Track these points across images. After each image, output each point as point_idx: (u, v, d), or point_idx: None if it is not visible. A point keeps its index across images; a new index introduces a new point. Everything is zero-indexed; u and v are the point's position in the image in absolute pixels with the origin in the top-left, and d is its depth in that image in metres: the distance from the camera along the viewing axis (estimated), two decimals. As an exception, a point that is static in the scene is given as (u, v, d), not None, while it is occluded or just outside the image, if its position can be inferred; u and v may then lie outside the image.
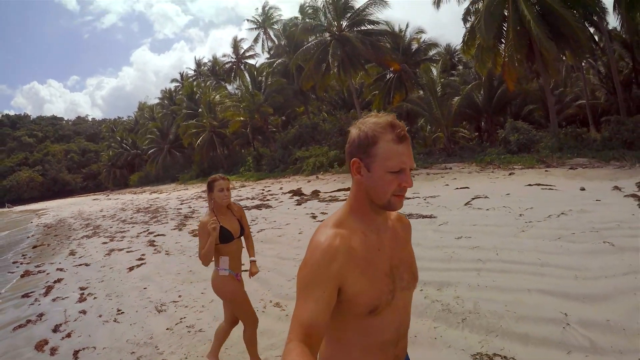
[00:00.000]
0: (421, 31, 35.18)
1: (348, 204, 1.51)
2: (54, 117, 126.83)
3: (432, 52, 35.92)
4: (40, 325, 6.39)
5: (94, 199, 52.52)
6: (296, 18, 40.98)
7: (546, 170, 17.15)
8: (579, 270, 5.50)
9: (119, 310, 6.40)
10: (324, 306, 1.28)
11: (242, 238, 4.02)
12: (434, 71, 29.71)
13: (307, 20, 32.89)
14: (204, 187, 36.06)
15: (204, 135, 45.36)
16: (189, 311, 5.92)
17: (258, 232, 11.33)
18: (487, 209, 10.23)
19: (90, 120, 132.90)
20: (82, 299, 7.36)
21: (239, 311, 3.93)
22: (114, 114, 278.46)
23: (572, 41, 21.61)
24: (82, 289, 8.06)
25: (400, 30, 34.21)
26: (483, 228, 8.34)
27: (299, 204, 15.82)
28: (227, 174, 42.39)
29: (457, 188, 14.61)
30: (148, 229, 15.43)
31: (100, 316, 6.31)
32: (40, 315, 6.85)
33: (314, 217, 12.47)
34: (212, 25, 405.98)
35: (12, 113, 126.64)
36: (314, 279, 1.31)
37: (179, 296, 6.66)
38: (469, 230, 8.29)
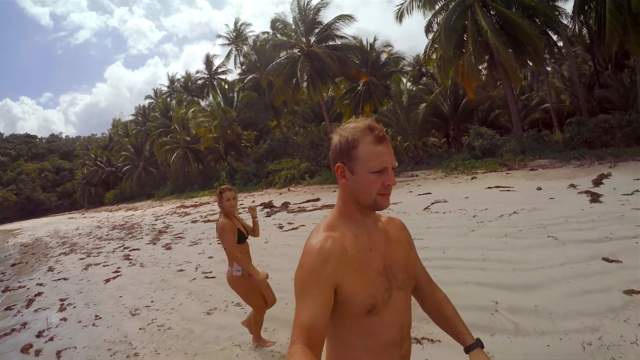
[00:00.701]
0: (389, 45, 36.37)
1: (337, 208, 1.56)
2: (27, 135, 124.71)
3: (402, 64, 37.18)
4: (24, 332, 7.01)
5: (70, 218, 52.36)
6: (267, 33, 41.87)
7: (507, 173, 18.02)
8: (518, 263, 6.19)
9: (96, 316, 7.05)
10: (322, 306, 1.32)
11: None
12: (404, 82, 30.89)
13: (278, 35, 33.83)
14: (179, 203, 36.71)
15: (178, 152, 45.82)
16: (159, 314, 6.61)
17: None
18: (444, 212, 11.09)
19: (64, 138, 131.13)
20: (62, 309, 7.97)
21: (251, 302, 4.65)
22: (87, 131, 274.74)
23: (530, 49, 22.70)
24: (61, 300, 8.64)
25: (370, 44, 35.36)
26: (436, 230, 9.16)
27: (268, 216, 16.56)
28: (201, 189, 42.95)
29: (419, 194, 15.43)
30: (123, 245, 16.00)
31: (79, 322, 6.95)
32: (24, 324, 7.44)
33: (281, 227, 13.22)
34: (186, 40, 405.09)
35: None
36: (310, 281, 1.35)
37: (152, 301, 7.35)
38: (422, 232, 9.06)
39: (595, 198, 10.19)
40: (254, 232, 4.83)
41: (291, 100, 34.76)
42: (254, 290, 4.62)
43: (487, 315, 4.62)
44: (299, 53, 31.37)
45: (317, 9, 31.15)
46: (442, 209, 11.64)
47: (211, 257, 10.39)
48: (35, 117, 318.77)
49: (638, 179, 12.24)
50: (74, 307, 7.99)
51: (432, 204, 12.87)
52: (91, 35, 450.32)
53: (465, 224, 9.27)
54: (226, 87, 44.36)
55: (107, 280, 9.78)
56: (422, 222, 10.25)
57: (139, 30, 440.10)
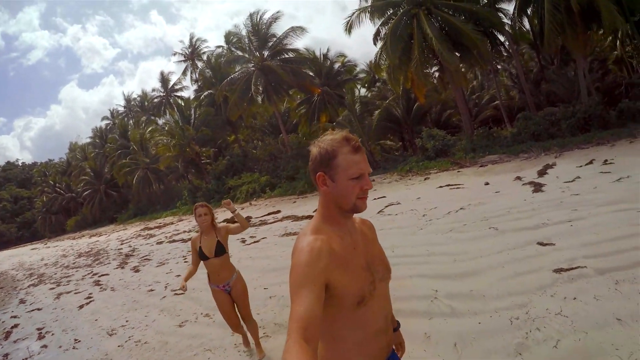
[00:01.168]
0: (342, 54, 37.44)
1: (319, 214, 1.70)
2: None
3: (356, 71, 38.32)
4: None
5: (33, 249, 51.28)
6: (222, 47, 42.19)
7: (458, 171, 19.03)
8: (459, 254, 6.96)
9: (75, 340, 7.61)
10: (316, 300, 1.40)
11: (224, 256, 4.74)
12: (359, 90, 31.95)
13: (232, 49, 34.48)
14: (143, 225, 36.84)
15: (138, 173, 45.76)
16: (135, 331, 7.26)
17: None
18: (396, 214, 12.00)
19: (20, 164, 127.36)
20: (41, 337, 8.45)
21: (222, 315, 4.87)
22: (44, 157, 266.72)
23: (475, 52, 24.03)
24: (39, 329, 9.09)
25: (323, 55, 36.37)
26: (387, 231, 9.99)
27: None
28: (164, 209, 42.92)
29: (374, 198, 16.21)
30: (92, 271, 16.36)
31: (60, 347, 7.49)
32: (6, 355, 7.88)
33: (244, 241, 13.91)
34: (140, 57, 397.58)
35: None
36: (304, 278, 1.44)
37: (126, 321, 7.97)
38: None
39: (537, 188, 11.13)
40: (241, 224, 4.73)
41: (247, 115, 35.33)
42: (224, 307, 4.82)
43: (427, 303, 5.34)
44: (252, 68, 31.96)
45: (269, 23, 31.89)
46: (395, 211, 12.59)
47: (178, 275, 11.01)
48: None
49: (580, 166, 13.35)
50: (52, 334, 8.48)
51: (386, 206, 13.75)
52: (44, 55, 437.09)
53: (415, 223, 10.18)
54: (182, 104, 44.56)
55: (81, 306, 10.28)
56: (375, 224, 10.96)
57: (93, 49, 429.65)
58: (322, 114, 35.66)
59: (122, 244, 25.00)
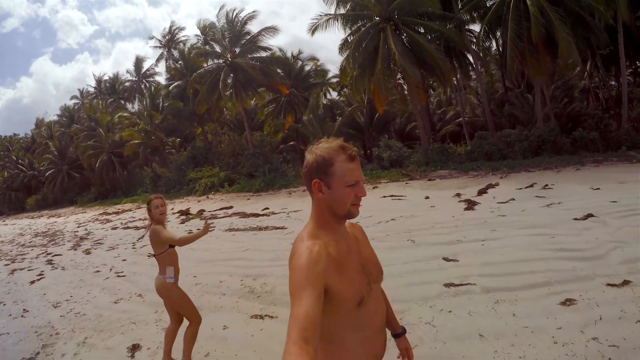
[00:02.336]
0: (314, 58, 38.78)
1: (313, 220, 1.75)
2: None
3: (329, 75, 39.61)
4: None
5: (-11, 225, 51.53)
6: (198, 37, 42.71)
7: (407, 183, 20.26)
8: None
9: (24, 310, 8.78)
10: (316, 302, 1.43)
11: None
12: (329, 93, 33.23)
13: (207, 41, 35.46)
14: (102, 210, 37.62)
15: (103, 157, 46.33)
16: (77, 305, 8.49)
17: (141, 247, 13.95)
18: None
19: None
20: (-7, 305, 9.66)
21: (186, 311, 4.60)
22: (10, 129, 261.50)
23: (437, 70, 25.73)
24: (-8, 300, 10.28)
25: (293, 56, 37.90)
26: None
27: (182, 223, 18.47)
28: (125, 195, 43.58)
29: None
30: (46, 251, 17.39)
31: (10, 315, 8.66)
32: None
33: (191, 231, 15.13)
34: (118, 37, 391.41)
35: None
36: (303, 281, 1.49)
37: (70, 296, 9.19)
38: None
39: (470, 206, 12.23)
40: (186, 241, 4.56)
41: (215, 109, 36.29)
42: (187, 299, 4.67)
43: None
44: (222, 63, 33.10)
45: (244, 21, 33.14)
46: None
47: (124, 260, 12.25)
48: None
49: (520, 188, 14.47)
50: (4, 304, 9.61)
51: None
52: (19, 24, 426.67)
53: None
54: (153, 91, 45.25)
55: (32, 282, 11.42)
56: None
57: (70, 23, 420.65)
58: (289, 114, 37.02)
59: (78, 227, 25.95)
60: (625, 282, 5.33)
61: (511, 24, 22.23)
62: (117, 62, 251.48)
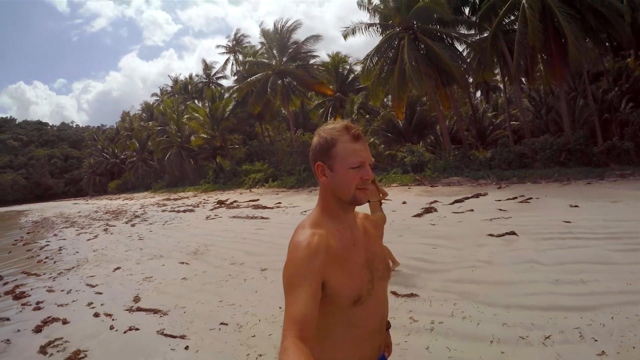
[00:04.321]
0: (360, 62, 42.85)
1: (319, 206, 1.71)
2: (39, 122, 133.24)
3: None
4: (54, 244, 14.65)
5: (74, 203, 60.98)
6: (262, 43, 47.14)
7: (409, 188, 22.50)
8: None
9: (76, 252, 14.48)
10: (312, 299, 1.41)
11: None
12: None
13: (263, 50, 40.25)
14: (167, 195, 44.52)
15: (173, 150, 53.56)
16: (107, 250, 14.01)
17: (168, 223, 19.64)
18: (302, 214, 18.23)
19: (74, 126, 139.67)
20: (59, 250, 15.39)
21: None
22: (99, 120, 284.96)
23: (457, 77, 26.37)
24: (60, 247, 16.05)
25: (338, 61, 42.24)
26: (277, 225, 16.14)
27: (212, 210, 24.04)
28: (192, 185, 50.25)
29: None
30: (107, 223, 23.65)
31: (68, 253, 14.42)
32: (42, 247, 15.08)
33: (208, 217, 20.61)
34: (201, 34, 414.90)
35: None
36: (299, 276, 1.46)
37: (105, 247, 14.83)
38: (283, 226, 16.24)
39: (423, 213, 13.77)
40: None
41: (267, 111, 41.03)
42: None
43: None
44: (271, 72, 37.14)
45: (290, 30, 37.16)
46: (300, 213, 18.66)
47: (151, 231, 17.88)
48: (48, 102, 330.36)
49: (499, 200, 15.09)
50: (66, 249, 15.50)
51: (305, 212, 20.00)
52: (107, 24, 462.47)
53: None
54: (223, 92, 51.49)
55: (88, 240, 17.37)
56: (284, 219, 17.19)
57: (155, 22, 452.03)
58: (337, 116, 40.54)
59: (140, 208, 32.58)
60: (413, 295, 6.12)
61: (519, 27, 21.57)
62: (200, 58, 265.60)
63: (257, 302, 6.57)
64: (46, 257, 13.93)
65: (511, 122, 29.68)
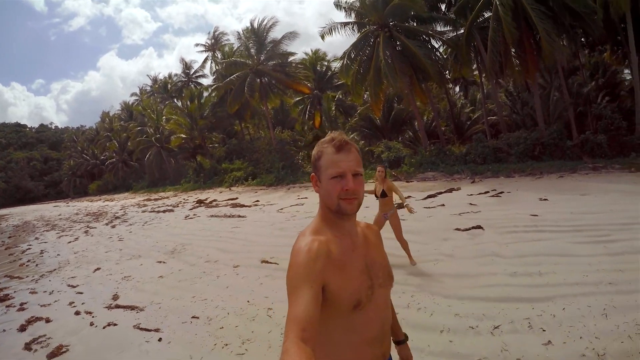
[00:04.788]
0: (338, 59, 42.93)
1: (319, 215, 1.77)
2: (17, 124, 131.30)
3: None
4: (35, 247, 15.03)
5: (55, 206, 60.66)
6: (240, 39, 47.20)
7: None
8: (249, 239, 13.41)
9: (57, 254, 14.90)
10: (313, 301, 1.44)
11: (385, 198, 7.59)
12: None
13: (241, 49, 40.05)
14: (147, 196, 44.73)
15: (153, 150, 53.68)
16: (88, 252, 14.42)
17: (147, 224, 20.05)
18: (297, 211, 18.75)
19: (53, 128, 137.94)
20: (41, 253, 15.78)
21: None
22: (79, 120, 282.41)
23: (431, 74, 26.49)
24: (42, 250, 16.43)
25: (319, 58, 42.87)
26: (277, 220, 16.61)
27: (191, 209, 24.46)
28: (172, 184, 50.43)
29: (299, 197, 22.99)
30: (88, 225, 23.97)
31: (49, 256, 14.81)
32: (24, 251, 15.43)
33: (187, 217, 21.05)
34: (181, 32, 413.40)
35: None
36: (301, 279, 1.50)
37: (86, 249, 15.23)
38: (258, 224, 16.79)
39: (400, 206, 14.69)
40: (400, 197, 7.52)
41: (246, 109, 41.32)
42: (378, 222, 7.65)
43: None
44: (248, 71, 37.33)
45: (267, 29, 37.42)
46: (296, 209, 19.02)
47: (130, 232, 18.30)
48: (27, 103, 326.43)
49: (471, 195, 15.52)
50: (47, 252, 15.88)
51: (282, 209, 20.57)
52: (86, 23, 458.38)
53: (272, 219, 16.70)
54: (202, 91, 51.59)
55: (69, 242, 17.73)
56: (263, 217, 17.72)
57: (134, 20, 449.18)
58: (316, 112, 41.21)
59: (121, 209, 32.86)
60: None
61: (492, 24, 21.89)
62: (179, 57, 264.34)
63: (227, 297, 7.10)
64: (28, 261, 14.33)
65: (488, 117, 30.15)
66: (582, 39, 26.50)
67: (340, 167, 1.63)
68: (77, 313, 7.35)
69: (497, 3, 21.25)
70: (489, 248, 7.83)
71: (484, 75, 29.21)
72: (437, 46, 28.78)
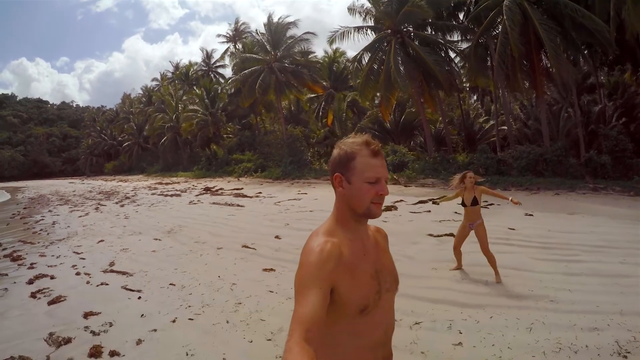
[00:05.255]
0: (349, 61, 43.32)
1: (333, 216, 1.76)
2: (39, 100, 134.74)
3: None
4: (48, 219, 16.51)
5: (70, 182, 62.82)
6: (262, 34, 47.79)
7: None
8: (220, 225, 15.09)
9: (67, 226, 16.26)
10: (320, 302, 1.45)
11: (475, 206, 7.08)
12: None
13: (253, 50, 40.61)
14: (160, 180, 46.28)
15: (169, 136, 55.30)
16: (94, 227, 15.81)
17: (154, 206, 21.45)
18: (292, 205, 19.99)
19: (74, 106, 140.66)
20: (53, 223, 17.22)
21: (456, 237, 7.32)
22: (101, 100, 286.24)
23: (441, 81, 26.86)
24: (53, 222, 17.86)
25: (336, 57, 43.60)
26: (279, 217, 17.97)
27: (197, 195, 25.85)
28: (184, 170, 51.98)
29: (298, 192, 24.23)
30: (99, 203, 25.45)
31: (60, 227, 16.20)
32: (38, 221, 16.89)
33: (191, 202, 22.41)
34: (207, 20, 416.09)
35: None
36: (310, 279, 1.50)
37: (94, 223, 16.63)
38: (252, 214, 18.17)
39: (389, 208, 14.98)
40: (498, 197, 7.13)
41: (259, 103, 42.58)
42: (460, 232, 7.36)
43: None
44: (265, 67, 38.13)
45: (286, 28, 38.42)
46: (294, 204, 20.13)
47: (137, 212, 19.68)
48: (50, 80, 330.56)
49: (461, 204, 16.21)
50: (59, 223, 17.32)
51: (291, 200, 21.80)
52: (113, 5, 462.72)
53: (263, 210, 18.02)
54: (220, 81, 52.94)
55: (80, 216, 19.16)
56: (257, 209, 18.87)
57: (161, 5, 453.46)
58: (329, 111, 41.80)
59: (132, 190, 34.45)
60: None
61: (501, 37, 22.00)
62: (205, 44, 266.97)
63: (203, 272, 8.33)
64: (40, 230, 15.78)
65: (499, 129, 29.85)
66: (603, 57, 26.55)
67: (378, 172, 1.67)
68: (78, 274, 8.68)
69: (504, 18, 21.29)
70: (450, 255, 7.82)
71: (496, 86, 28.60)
72: (452, 55, 29.21)
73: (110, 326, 5.68)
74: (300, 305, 1.43)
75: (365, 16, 29.14)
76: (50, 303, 6.87)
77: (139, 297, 6.97)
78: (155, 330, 5.50)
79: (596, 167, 20.61)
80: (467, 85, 34.69)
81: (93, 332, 5.48)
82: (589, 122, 25.75)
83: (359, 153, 1.66)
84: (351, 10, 29.52)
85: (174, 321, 5.80)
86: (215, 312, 6.09)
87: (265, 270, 8.16)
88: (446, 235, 10.18)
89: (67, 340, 5.25)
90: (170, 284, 7.59)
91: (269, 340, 5.03)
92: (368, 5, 28.84)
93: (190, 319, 5.88)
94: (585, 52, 24.70)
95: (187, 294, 7.03)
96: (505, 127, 30.08)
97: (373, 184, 1.64)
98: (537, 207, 14.65)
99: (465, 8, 27.45)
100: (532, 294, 6.05)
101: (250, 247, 10.27)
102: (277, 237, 11.38)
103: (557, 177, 21.04)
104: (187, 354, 4.74)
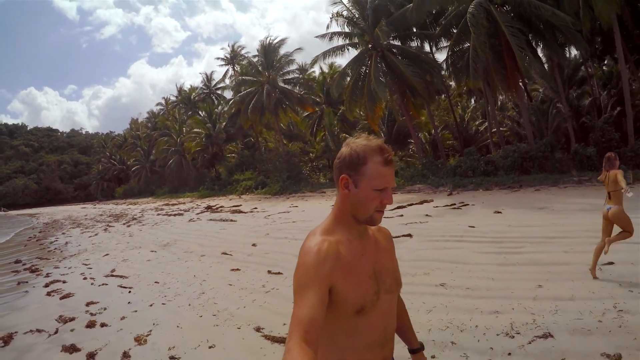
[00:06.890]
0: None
1: (333, 215, 1.72)
2: (49, 129, 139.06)
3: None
4: (61, 240, 18.70)
5: (83, 207, 65.55)
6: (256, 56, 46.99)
7: None
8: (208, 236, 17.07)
9: (78, 245, 18.40)
10: (319, 303, 1.43)
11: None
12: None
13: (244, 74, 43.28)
14: (170, 201, 48.58)
15: (174, 158, 57.69)
16: (103, 244, 17.93)
17: (157, 224, 23.59)
18: (279, 218, 22.02)
19: (83, 133, 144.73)
20: (66, 243, 19.31)
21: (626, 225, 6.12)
22: (110, 126, 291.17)
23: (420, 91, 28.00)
24: (66, 242, 19.93)
25: (335, 71, 43.54)
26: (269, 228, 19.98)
27: (198, 214, 27.96)
28: (191, 191, 54.13)
29: (290, 206, 26.25)
30: (108, 224, 27.67)
31: (72, 246, 18.33)
32: (52, 242, 19.05)
33: (191, 220, 24.53)
34: (210, 41, 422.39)
35: (9, 119, 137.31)
36: (308, 279, 1.48)
37: (101, 241, 18.76)
38: (242, 227, 20.21)
39: None
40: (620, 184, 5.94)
41: (257, 124, 43.59)
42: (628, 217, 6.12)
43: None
44: (259, 88, 39.87)
45: (277, 47, 40.45)
46: (284, 217, 22.01)
47: (141, 230, 21.79)
48: (59, 108, 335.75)
49: (437, 207, 16.82)
50: (71, 243, 19.42)
51: (269, 215, 23.84)
52: (117, 32, 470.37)
53: (261, 223, 19.93)
54: (223, 102, 55.28)
55: (90, 236, 21.32)
56: (252, 222, 20.64)
57: (164, 29, 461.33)
58: (321, 130, 44.33)
59: (139, 212, 36.66)
60: (279, 273, 11.92)
61: (471, 43, 22.82)
62: (209, 65, 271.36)
63: (183, 273, 10.27)
64: (55, 249, 17.93)
65: (492, 130, 30.37)
66: (596, 47, 27.49)
67: (387, 181, 1.62)
68: (85, 278, 10.74)
69: (469, 24, 22.02)
70: (398, 252, 9.31)
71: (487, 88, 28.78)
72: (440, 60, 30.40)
73: (105, 310, 7.70)
74: (298, 307, 1.42)
75: (345, 37, 30.85)
76: (62, 298, 8.93)
77: (129, 292, 8.94)
78: (136, 311, 7.46)
79: (582, 159, 20.99)
80: (465, 88, 35.68)
81: (91, 314, 7.50)
82: (580, 115, 26.64)
83: (371, 159, 1.61)
84: (324, 35, 31.26)
85: (151, 305, 7.72)
86: (182, 300, 7.94)
87: (232, 270, 9.95)
88: (404, 235, 11.23)
89: (72, 319, 7.28)
90: (155, 282, 9.54)
91: (214, 315, 6.73)
92: (346, 29, 30.61)
93: (163, 303, 7.78)
94: (566, 48, 25.93)
95: (166, 288, 8.94)
96: (501, 129, 31.40)
97: (380, 191, 1.62)
98: (511, 204, 15.49)
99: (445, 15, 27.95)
100: (453, 283, 6.66)
101: (228, 254, 12.15)
102: (253, 244, 13.10)
103: (543, 173, 21.45)
104: (153, 324, 6.61)
